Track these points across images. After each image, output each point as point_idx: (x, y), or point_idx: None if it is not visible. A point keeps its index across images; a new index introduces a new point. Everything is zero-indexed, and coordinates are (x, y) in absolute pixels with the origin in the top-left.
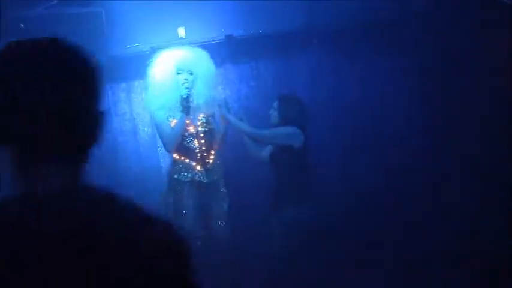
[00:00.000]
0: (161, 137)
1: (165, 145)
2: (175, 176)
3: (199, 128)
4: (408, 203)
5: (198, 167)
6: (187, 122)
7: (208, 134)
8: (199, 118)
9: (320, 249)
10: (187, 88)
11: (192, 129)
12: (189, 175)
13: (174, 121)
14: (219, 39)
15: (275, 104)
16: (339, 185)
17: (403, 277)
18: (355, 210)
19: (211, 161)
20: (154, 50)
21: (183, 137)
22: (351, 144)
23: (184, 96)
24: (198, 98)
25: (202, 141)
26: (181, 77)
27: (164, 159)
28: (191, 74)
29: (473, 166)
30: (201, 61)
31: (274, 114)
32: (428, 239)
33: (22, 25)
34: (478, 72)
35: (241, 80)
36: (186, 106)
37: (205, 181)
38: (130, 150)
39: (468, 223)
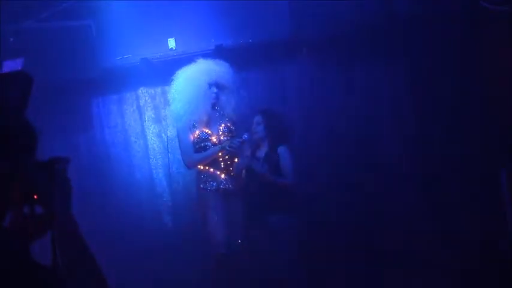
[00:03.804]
0: (182, 153)
1: (186, 164)
2: (202, 186)
3: (221, 138)
4: (400, 210)
5: (223, 176)
6: (210, 132)
7: (227, 143)
8: (221, 128)
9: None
10: (215, 101)
11: (214, 139)
12: (215, 184)
13: (197, 132)
14: (209, 50)
15: (258, 119)
16: (326, 193)
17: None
18: (344, 219)
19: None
20: (144, 62)
21: (207, 147)
22: (340, 152)
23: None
24: (224, 109)
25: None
26: (211, 90)
27: (156, 170)
28: (219, 87)
29: (465, 170)
30: (227, 74)
31: (259, 128)
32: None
33: (11, 39)
34: (465, 76)
35: None
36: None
37: (231, 189)
38: (123, 161)
39: (461, 226)
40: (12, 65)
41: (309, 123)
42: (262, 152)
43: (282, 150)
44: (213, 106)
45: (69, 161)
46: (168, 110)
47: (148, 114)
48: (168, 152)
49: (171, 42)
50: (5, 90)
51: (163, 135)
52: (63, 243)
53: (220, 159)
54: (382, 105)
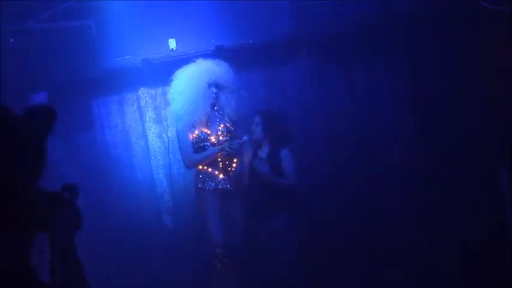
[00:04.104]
0: (182, 153)
1: (185, 164)
2: (200, 186)
3: (220, 138)
4: (400, 210)
5: (221, 175)
6: (209, 132)
7: (227, 144)
8: (220, 128)
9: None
10: (214, 101)
11: (213, 139)
12: (213, 184)
13: (196, 132)
14: (210, 50)
15: (257, 119)
16: (326, 193)
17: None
18: (344, 219)
19: (233, 169)
20: (145, 62)
21: (206, 147)
22: (340, 152)
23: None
24: (223, 109)
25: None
26: (210, 90)
27: (157, 170)
28: (218, 87)
29: (465, 170)
30: (227, 74)
31: (258, 129)
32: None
33: (12, 40)
34: (465, 76)
35: None
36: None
37: (229, 189)
38: (123, 162)
39: (461, 226)
40: (38, 98)
41: (309, 123)
42: (264, 152)
43: (284, 152)
44: (213, 106)
45: (78, 189)
46: (168, 111)
47: (149, 114)
48: (169, 152)
49: (172, 43)
50: (31, 121)
51: (164, 135)
52: (61, 265)
53: (219, 159)
54: (382, 105)
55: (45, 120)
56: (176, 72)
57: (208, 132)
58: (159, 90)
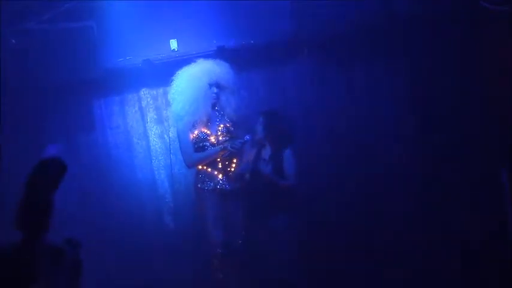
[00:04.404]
0: (182, 153)
1: (186, 163)
2: (199, 186)
3: (220, 138)
4: (399, 210)
5: (220, 176)
6: (208, 132)
7: (229, 143)
8: (220, 128)
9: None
10: (215, 101)
11: (212, 139)
12: (212, 184)
13: (196, 132)
14: (211, 51)
15: (260, 119)
16: (326, 193)
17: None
18: (344, 219)
19: (232, 169)
20: (146, 63)
21: (205, 147)
22: (340, 152)
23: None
24: (224, 109)
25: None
26: (211, 90)
27: (158, 171)
28: (219, 87)
29: (465, 170)
30: (227, 74)
31: (259, 129)
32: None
33: (13, 41)
34: (465, 76)
35: None
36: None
37: (227, 189)
38: (125, 162)
39: (461, 226)
40: (52, 150)
41: (309, 123)
42: (267, 153)
43: (287, 153)
44: (213, 106)
45: (81, 244)
46: (169, 111)
47: (151, 115)
48: (170, 153)
49: (173, 44)
50: (42, 173)
51: (165, 136)
52: None
53: (219, 159)
54: (382, 105)
55: (56, 173)
56: (177, 73)
57: (208, 132)
58: (161, 90)
